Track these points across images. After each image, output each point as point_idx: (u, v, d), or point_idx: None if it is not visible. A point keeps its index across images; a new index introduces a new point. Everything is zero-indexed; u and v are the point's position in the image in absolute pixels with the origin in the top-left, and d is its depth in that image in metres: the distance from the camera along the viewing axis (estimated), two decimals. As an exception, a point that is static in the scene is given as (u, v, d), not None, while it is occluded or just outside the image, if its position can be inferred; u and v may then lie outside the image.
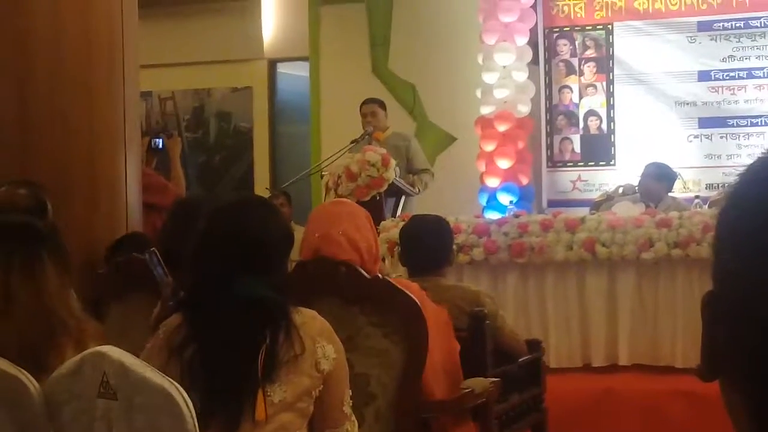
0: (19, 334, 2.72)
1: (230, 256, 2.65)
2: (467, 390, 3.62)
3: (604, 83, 8.87)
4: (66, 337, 2.72)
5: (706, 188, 8.31)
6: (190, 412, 2.38)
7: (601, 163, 8.86)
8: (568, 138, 8.96)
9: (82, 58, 4.51)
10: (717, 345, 0.77)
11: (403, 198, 7.21)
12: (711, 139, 8.57)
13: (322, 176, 7.41)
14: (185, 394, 2.39)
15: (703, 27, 8.60)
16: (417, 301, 3.38)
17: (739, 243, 0.75)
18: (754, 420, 0.75)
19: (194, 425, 2.39)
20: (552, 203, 8.73)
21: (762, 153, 0.78)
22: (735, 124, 8.52)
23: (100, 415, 2.47)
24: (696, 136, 8.62)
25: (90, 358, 2.49)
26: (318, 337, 2.67)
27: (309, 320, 2.68)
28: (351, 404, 2.78)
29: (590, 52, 8.91)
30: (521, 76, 8.62)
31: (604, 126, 8.87)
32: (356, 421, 2.80)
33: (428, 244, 4.51)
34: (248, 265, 2.65)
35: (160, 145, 6.10)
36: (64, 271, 2.87)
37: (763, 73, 8.48)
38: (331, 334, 2.72)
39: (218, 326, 2.62)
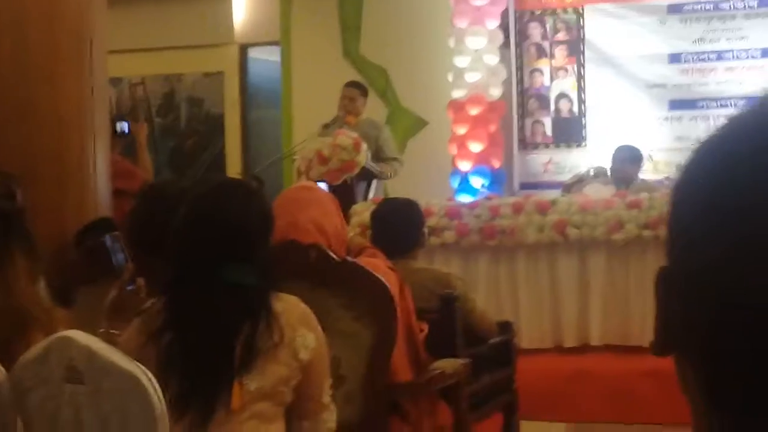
0: None
1: (212, 242, 2.62)
2: (437, 371, 3.63)
3: (575, 66, 8.88)
4: (37, 331, 2.70)
5: (676, 170, 8.31)
6: (158, 396, 2.37)
7: (572, 145, 8.89)
8: (539, 121, 8.98)
9: (48, 43, 4.47)
10: (670, 320, 0.78)
11: (374, 182, 7.22)
12: (681, 122, 8.60)
13: (293, 161, 7.40)
14: (153, 379, 2.38)
15: (674, 9, 8.62)
16: (386, 283, 3.38)
17: (692, 217, 0.76)
18: (706, 395, 0.75)
19: (162, 410, 2.38)
20: (524, 186, 8.75)
21: (716, 129, 0.79)
22: (705, 107, 8.55)
23: (68, 400, 2.46)
24: (666, 119, 8.65)
25: (56, 343, 2.48)
26: (298, 326, 2.64)
27: (291, 307, 2.66)
28: (331, 394, 2.76)
29: (561, 36, 8.92)
30: (493, 59, 8.62)
31: (575, 108, 8.89)
32: (335, 410, 2.78)
33: (398, 227, 4.53)
34: (231, 251, 2.63)
35: (126, 130, 6.01)
36: (33, 262, 2.85)
37: (733, 55, 8.51)
38: (313, 321, 2.70)
39: (198, 313, 2.60)
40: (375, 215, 4.78)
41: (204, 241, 2.63)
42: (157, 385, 2.38)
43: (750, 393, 0.72)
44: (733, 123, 0.77)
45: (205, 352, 2.57)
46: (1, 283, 2.75)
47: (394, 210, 4.67)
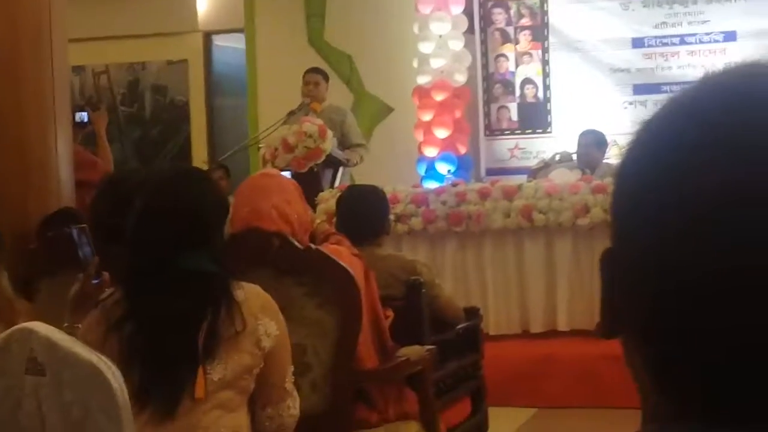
0: None
1: (169, 230, 2.61)
2: (403, 358, 3.63)
3: (540, 51, 8.90)
4: (1, 326, 2.67)
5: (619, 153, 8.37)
6: (120, 387, 2.36)
7: (538, 130, 8.91)
8: (505, 106, 9.00)
9: (6, 31, 4.43)
10: (615, 303, 0.78)
11: (340, 169, 7.21)
12: (645, 106, 8.63)
13: (259, 148, 7.38)
14: (115, 369, 2.36)
15: (637, -7, 8.66)
16: (350, 270, 3.38)
17: (634, 200, 0.76)
18: (651, 376, 0.76)
19: (125, 400, 2.36)
20: (490, 171, 8.77)
21: (656, 110, 0.79)
22: (669, 91, 8.53)
23: (29, 392, 2.44)
24: (631, 103, 8.69)
25: (17, 334, 2.46)
26: (260, 314, 2.63)
27: (252, 296, 2.65)
28: (294, 380, 2.76)
29: (525, 21, 8.93)
30: (457, 45, 8.62)
31: (540, 94, 8.91)
32: (298, 397, 2.78)
33: (364, 214, 4.51)
34: (186, 238, 2.61)
35: (85, 119, 5.92)
36: None
37: (696, 39, 8.56)
38: (274, 309, 2.69)
39: (158, 302, 2.58)
40: (340, 202, 4.77)
41: (159, 229, 2.61)
42: (119, 376, 2.36)
43: (690, 375, 0.73)
44: (672, 104, 0.77)
45: (167, 341, 2.55)
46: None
47: (360, 197, 4.66)
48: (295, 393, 2.77)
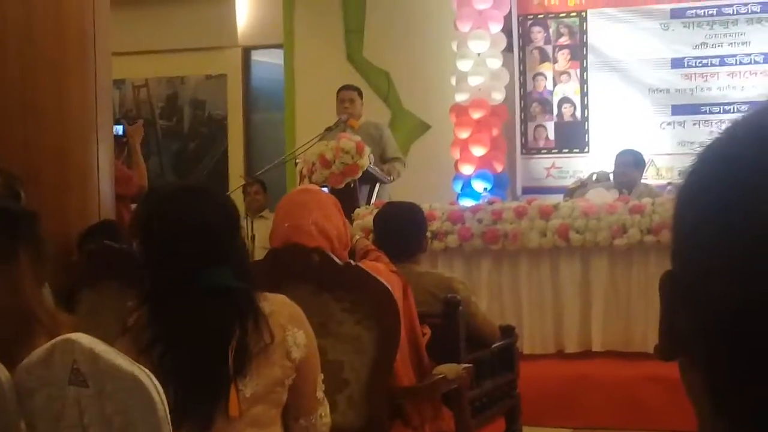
0: None
1: (181, 249, 2.57)
2: (439, 376, 3.63)
3: (578, 70, 8.89)
4: (41, 335, 2.68)
5: (678, 175, 8.27)
6: (161, 399, 2.37)
7: (575, 150, 8.89)
8: (542, 125, 8.99)
9: (53, 46, 4.48)
10: (675, 325, 0.78)
11: (377, 185, 7.22)
12: (684, 126, 8.61)
13: (296, 164, 7.40)
14: (156, 382, 2.37)
15: (676, 14, 8.63)
16: (389, 287, 3.38)
17: (696, 223, 0.76)
18: (711, 399, 0.75)
19: (165, 412, 2.38)
20: (526, 190, 8.75)
21: (719, 133, 0.79)
22: (707, 111, 8.56)
23: (71, 402, 2.46)
24: (669, 123, 8.66)
25: (60, 345, 2.48)
26: (288, 325, 2.61)
27: (278, 307, 2.63)
28: (323, 389, 2.74)
29: (564, 40, 8.92)
30: (495, 63, 8.63)
31: (578, 113, 8.90)
32: (328, 405, 2.77)
33: (402, 231, 4.53)
34: (201, 256, 2.57)
35: (120, 132, 5.91)
36: (39, 266, 2.85)
37: (736, 60, 8.52)
38: (302, 318, 2.67)
39: (184, 322, 2.55)
40: (378, 219, 4.78)
41: (171, 249, 2.58)
42: (160, 388, 2.37)
43: (753, 400, 0.72)
44: (736, 127, 0.77)
45: (198, 360, 2.52)
46: (7, 285, 2.74)
47: (397, 214, 4.67)
48: (326, 402, 2.75)
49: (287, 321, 2.62)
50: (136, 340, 2.60)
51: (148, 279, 2.66)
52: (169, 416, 2.38)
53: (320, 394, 2.72)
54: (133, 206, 5.64)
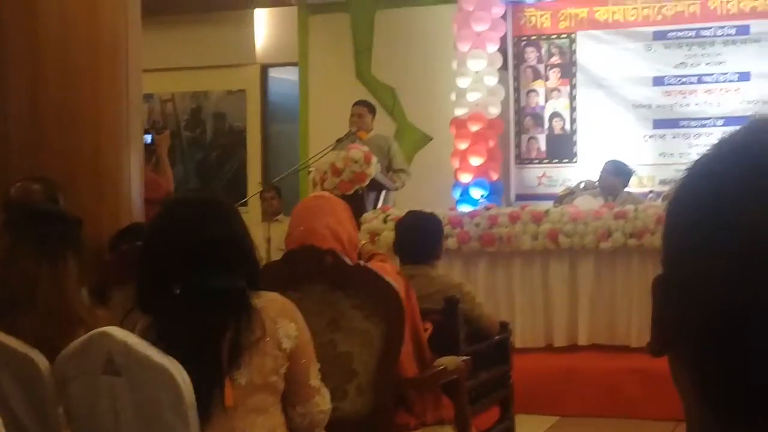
0: (40, 327, 2.70)
1: (172, 257, 2.54)
2: (440, 367, 3.62)
3: (568, 87, 8.88)
4: (81, 330, 2.68)
5: (659, 184, 8.35)
6: (187, 387, 2.37)
7: (564, 160, 8.88)
8: (534, 137, 8.98)
9: (89, 62, 4.49)
10: (666, 324, 0.79)
11: (383, 192, 7.21)
12: (664, 139, 8.60)
13: (309, 172, 7.40)
14: (183, 372, 2.38)
15: (658, 36, 8.63)
16: (395, 286, 3.38)
17: (684, 232, 0.77)
18: (699, 391, 0.76)
19: (192, 400, 2.38)
20: (519, 197, 8.75)
21: (706, 150, 0.80)
22: (686, 126, 8.55)
23: (105, 390, 2.47)
24: (651, 136, 8.65)
25: (96, 337, 2.49)
26: (279, 318, 2.57)
27: (269, 302, 2.58)
28: (319, 377, 2.69)
29: (555, 59, 8.92)
30: (492, 80, 8.62)
31: (567, 127, 8.89)
32: (327, 393, 2.71)
33: (421, 238, 4.60)
34: (196, 261, 2.53)
35: (149, 141, 5.90)
36: (81, 267, 2.86)
37: (712, 78, 8.50)
38: (293, 312, 2.63)
39: (182, 322, 2.52)
40: (400, 225, 4.85)
41: (174, 260, 2.55)
42: (187, 377, 2.38)
43: (738, 394, 0.73)
44: (723, 144, 0.78)
45: (194, 356, 2.47)
46: (54, 284, 2.76)
47: (419, 223, 4.72)
48: (324, 390, 2.70)
49: (277, 315, 2.58)
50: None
51: (148, 281, 2.61)
52: (195, 403, 2.39)
53: (315, 382, 2.67)
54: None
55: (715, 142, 0.79)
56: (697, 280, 0.74)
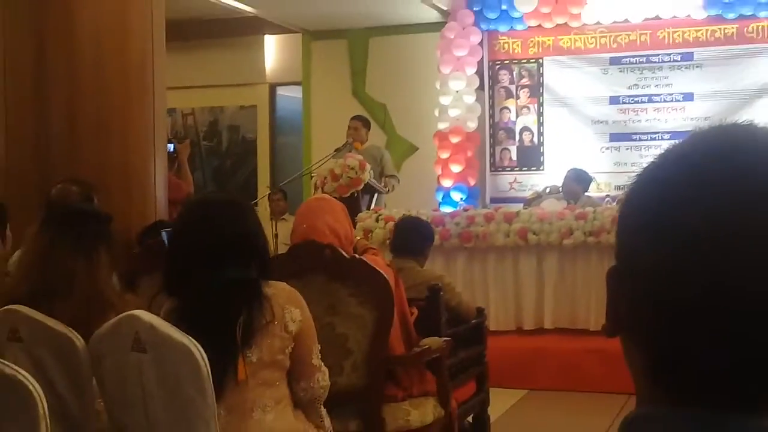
0: (76, 312, 2.69)
1: (195, 249, 2.53)
2: (425, 347, 3.62)
3: (536, 105, 8.89)
4: (112, 313, 2.67)
5: (615, 189, 8.36)
6: (205, 363, 2.36)
7: (532, 168, 8.89)
8: (506, 148, 8.99)
9: (120, 81, 4.48)
10: (618, 309, 0.78)
11: (375, 195, 7.21)
12: (619, 151, 8.62)
13: (311, 177, 7.39)
14: (201, 350, 2.37)
15: (614, 61, 8.64)
16: (386, 276, 3.38)
17: (634, 231, 0.77)
18: (649, 369, 0.76)
19: (208, 374, 2.37)
20: (493, 200, 8.75)
21: (653, 159, 0.80)
22: (638, 139, 8.57)
23: (133, 366, 2.46)
24: (607, 148, 8.66)
25: (125, 319, 2.48)
26: (286, 304, 2.57)
27: (278, 291, 2.58)
28: (320, 357, 2.67)
29: (525, 81, 8.93)
30: (470, 99, 8.64)
31: (535, 139, 8.90)
32: (326, 371, 2.70)
33: (414, 237, 4.73)
34: (216, 255, 2.51)
35: (172, 149, 5.88)
36: (112, 258, 2.85)
37: (660, 98, 8.53)
38: (298, 299, 2.61)
39: (203, 307, 2.51)
40: (398, 226, 5.03)
41: (197, 253, 2.53)
42: (204, 355, 2.37)
43: (681, 370, 0.73)
44: (666, 155, 0.78)
45: (213, 338, 2.46)
46: (89, 274, 2.75)
47: (413, 226, 4.91)
48: (324, 368, 2.68)
49: (285, 301, 2.57)
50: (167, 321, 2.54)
51: (174, 270, 2.58)
52: (211, 377, 2.38)
53: (317, 361, 2.65)
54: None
55: (660, 152, 0.79)
56: (646, 273, 0.74)
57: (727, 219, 0.70)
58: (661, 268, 0.72)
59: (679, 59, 8.47)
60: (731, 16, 8.21)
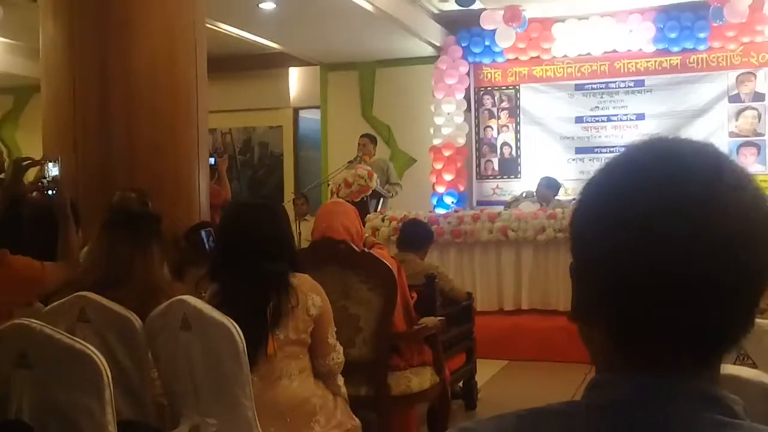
0: (134, 297, 2.69)
1: (236, 245, 2.53)
2: (423, 325, 3.62)
3: (514, 124, 8.89)
4: (163, 298, 2.66)
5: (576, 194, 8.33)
6: (241, 340, 2.37)
7: (511, 176, 8.89)
8: (490, 160, 8.98)
9: (170, 105, 4.48)
10: (578, 299, 0.78)
11: (381, 200, 7.21)
12: (583, 162, 8.61)
13: (328, 185, 7.39)
14: (239, 329, 2.37)
15: (579, 88, 8.63)
16: (390, 266, 3.37)
17: (583, 228, 0.77)
18: (607, 343, 0.76)
19: (244, 349, 2.37)
20: (479, 203, 8.75)
21: (597, 169, 0.79)
22: (599, 152, 8.55)
23: (182, 342, 2.46)
24: (573, 160, 8.65)
25: (175, 303, 2.48)
26: (309, 292, 2.57)
27: (302, 281, 2.58)
28: (335, 337, 2.67)
29: (504, 104, 8.92)
30: (459, 119, 8.64)
31: (514, 152, 8.89)
32: (341, 350, 2.69)
33: (417, 236, 4.79)
34: (254, 250, 2.52)
35: (213, 162, 5.89)
36: (163, 252, 2.84)
37: (617, 118, 8.53)
38: (319, 288, 2.62)
39: (241, 292, 2.52)
40: (404, 226, 5.15)
41: (232, 245, 2.55)
42: (241, 333, 2.37)
43: (638, 341, 0.73)
44: (609, 164, 0.78)
45: (248, 319, 2.46)
46: (144, 265, 2.75)
47: (417, 227, 4.99)
48: (339, 347, 2.67)
49: (308, 290, 2.58)
50: (210, 303, 2.51)
51: (218, 261, 2.59)
52: (246, 352, 2.37)
53: (332, 340, 2.64)
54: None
55: (605, 161, 0.79)
56: (593, 264, 0.74)
57: (662, 215, 0.70)
58: (605, 259, 0.72)
59: (632, 85, 8.47)
60: (676, 49, 8.20)
